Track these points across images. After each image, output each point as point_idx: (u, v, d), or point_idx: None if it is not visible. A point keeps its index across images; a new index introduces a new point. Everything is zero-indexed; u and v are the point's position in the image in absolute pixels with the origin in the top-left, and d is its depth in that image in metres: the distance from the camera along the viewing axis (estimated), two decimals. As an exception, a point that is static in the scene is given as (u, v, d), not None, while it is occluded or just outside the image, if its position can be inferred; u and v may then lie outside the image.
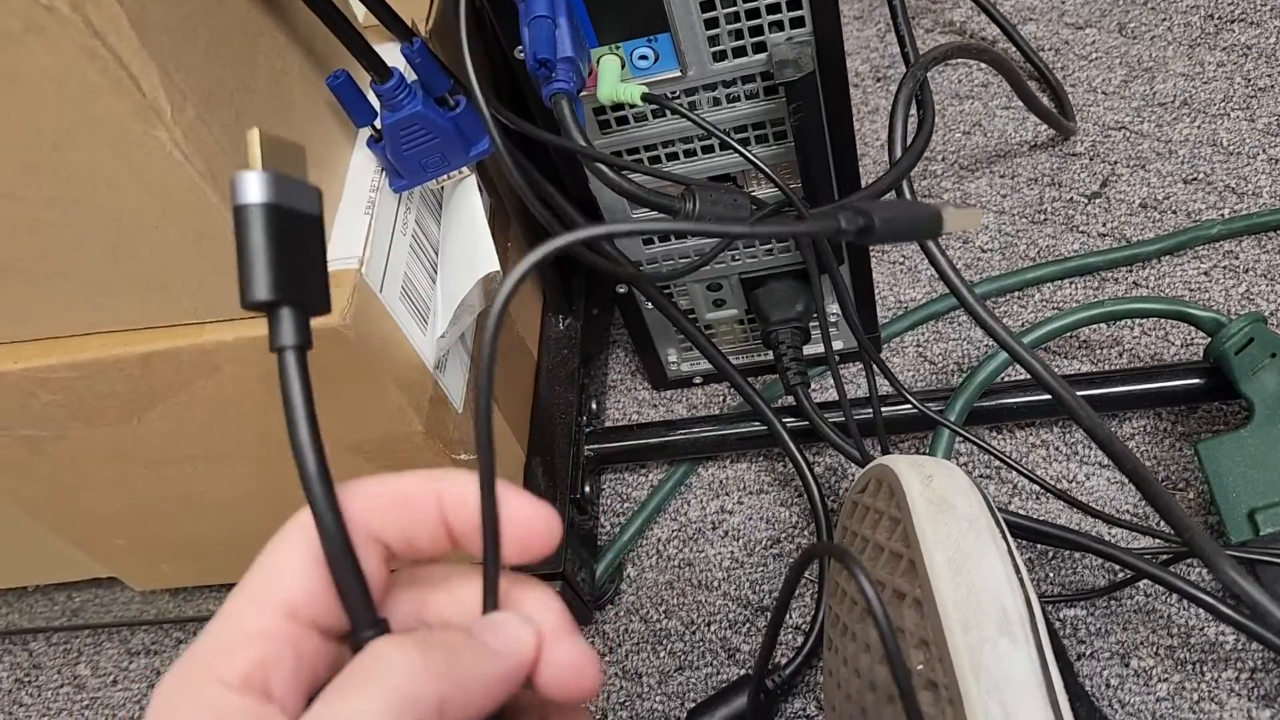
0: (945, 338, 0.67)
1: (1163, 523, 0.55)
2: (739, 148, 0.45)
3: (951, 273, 0.49)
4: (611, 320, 0.72)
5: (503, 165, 0.43)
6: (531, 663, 0.23)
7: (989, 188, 0.73)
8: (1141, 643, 0.53)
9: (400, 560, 0.24)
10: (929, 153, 0.76)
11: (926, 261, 0.69)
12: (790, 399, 0.59)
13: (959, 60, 0.81)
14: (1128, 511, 0.57)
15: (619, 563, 0.62)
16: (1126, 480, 0.58)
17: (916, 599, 0.42)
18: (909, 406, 0.58)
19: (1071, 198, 0.71)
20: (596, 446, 0.63)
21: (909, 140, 0.51)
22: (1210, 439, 0.52)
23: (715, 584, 0.61)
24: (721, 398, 0.68)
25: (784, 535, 0.61)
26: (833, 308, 0.63)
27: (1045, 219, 0.70)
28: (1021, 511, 0.59)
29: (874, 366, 0.54)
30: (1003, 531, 0.43)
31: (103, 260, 0.39)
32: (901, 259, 0.71)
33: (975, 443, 0.52)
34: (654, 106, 0.49)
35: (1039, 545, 0.57)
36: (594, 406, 0.65)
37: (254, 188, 0.22)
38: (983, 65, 0.80)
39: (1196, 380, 0.56)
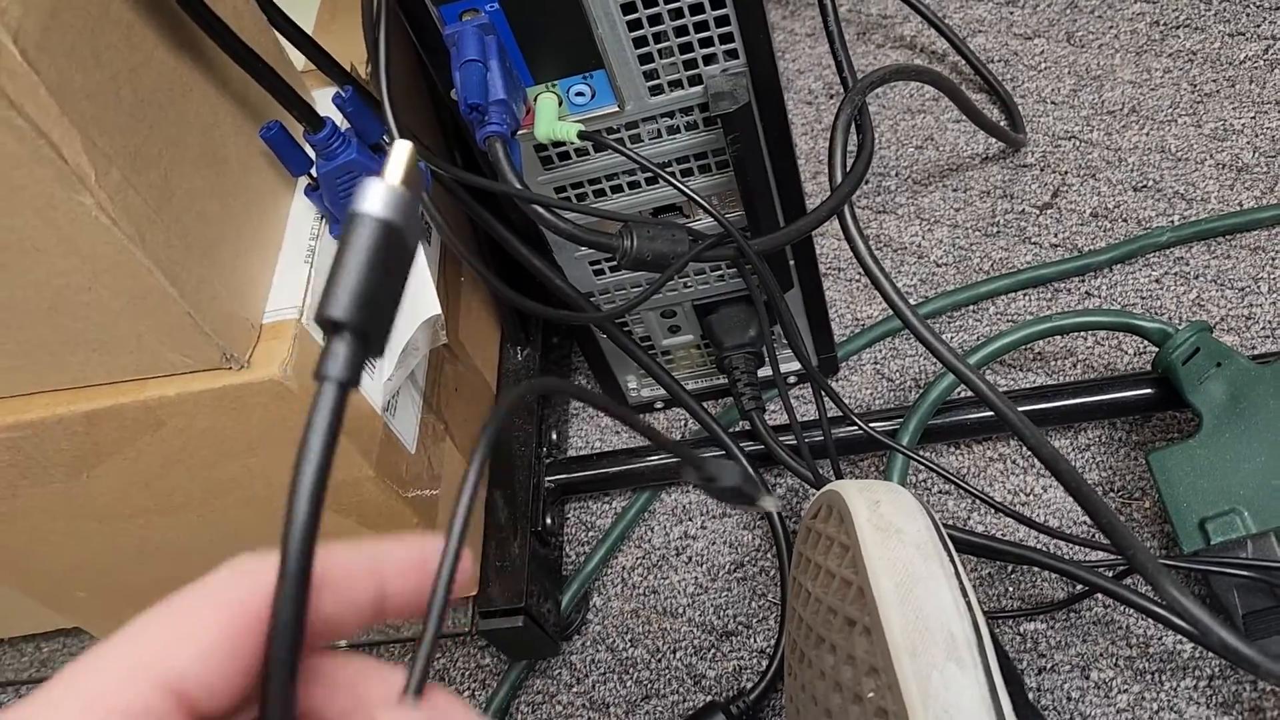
0: (902, 354, 0.67)
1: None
2: (672, 180, 0.45)
3: (894, 294, 0.49)
4: (571, 348, 0.72)
5: (431, 218, 0.43)
6: None
7: (942, 201, 0.73)
8: (1101, 654, 0.53)
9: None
10: (882, 168, 0.76)
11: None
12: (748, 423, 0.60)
13: (910, 75, 0.81)
14: (1085, 523, 0.58)
15: (585, 592, 0.63)
16: (1083, 491, 0.58)
17: (866, 626, 0.42)
18: (869, 427, 0.59)
19: (1023, 209, 0.71)
20: (557, 477, 0.63)
21: (849, 165, 0.51)
22: (1161, 449, 0.52)
23: (680, 610, 0.61)
24: (683, 421, 0.69)
25: (747, 559, 0.62)
26: (788, 329, 0.63)
27: (998, 231, 0.71)
28: (981, 526, 0.59)
29: (822, 391, 0.54)
30: (950, 555, 0.44)
31: (40, 323, 0.39)
32: (858, 275, 0.71)
33: (925, 465, 0.53)
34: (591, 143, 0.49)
35: (996, 561, 0.57)
36: (554, 437, 0.65)
37: (381, 201, 0.20)
38: (933, 79, 0.80)
39: (1148, 390, 0.57)
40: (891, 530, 0.44)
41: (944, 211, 0.73)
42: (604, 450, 0.67)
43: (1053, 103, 0.76)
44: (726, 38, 0.46)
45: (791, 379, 0.67)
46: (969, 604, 0.41)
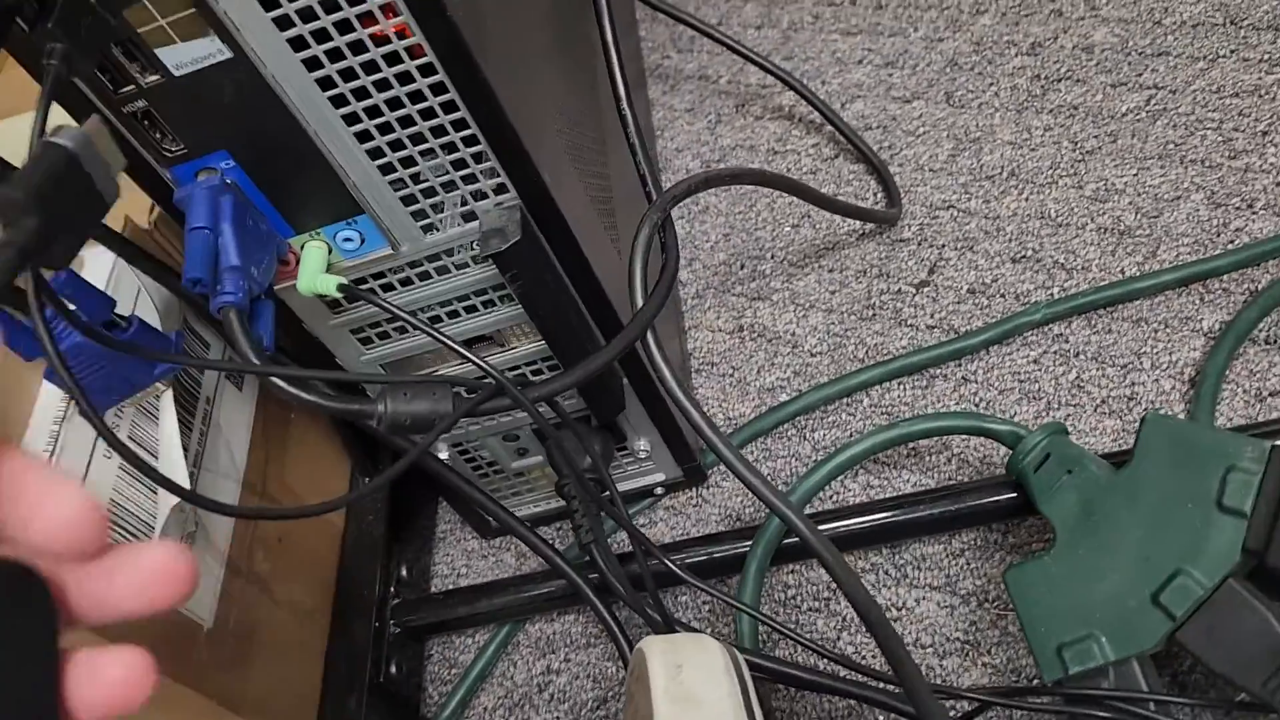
0: (774, 455, 0.63)
1: (975, 674, 0.52)
2: (427, 329, 0.42)
3: (706, 428, 0.46)
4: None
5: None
6: None
7: (817, 284, 0.70)
8: (972, 792, 0.49)
9: None
10: (758, 250, 0.73)
11: (756, 371, 0.66)
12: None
13: (786, 149, 0.78)
14: (958, 639, 0.54)
15: (446, 738, 0.59)
16: (958, 606, 0.54)
17: (660, 816, 0.38)
18: (721, 550, 0.56)
19: (900, 288, 0.68)
20: (405, 620, 0.59)
21: (651, 286, 0.48)
22: (1017, 566, 0.48)
23: (540, 756, 0.57)
24: (553, 540, 0.65)
25: (610, 694, 0.58)
26: (641, 444, 0.60)
27: (874, 314, 0.67)
28: (858, 640, 0.55)
29: (641, 535, 0.50)
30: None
31: None
32: (730, 370, 0.68)
33: (755, 616, 0.49)
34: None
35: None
36: (404, 573, 0.61)
37: (68, 137, 0.25)
38: (810, 151, 0.77)
39: (1011, 495, 0.53)
40: (690, 702, 0.40)
41: (819, 295, 0.69)
42: (462, 585, 0.64)
43: (931, 170, 0.73)
44: (490, 173, 0.43)
45: (659, 489, 0.64)
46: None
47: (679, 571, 0.49)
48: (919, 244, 0.69)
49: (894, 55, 0.80)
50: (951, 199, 0.71)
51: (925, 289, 0.67)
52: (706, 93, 0.84)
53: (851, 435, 0.62)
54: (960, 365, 0.63)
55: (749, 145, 0.79)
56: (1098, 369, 0.60)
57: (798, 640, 0.49)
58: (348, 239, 0.45)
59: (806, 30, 0.85)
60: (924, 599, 0.55)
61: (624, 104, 0.51)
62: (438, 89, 0.39)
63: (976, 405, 0.61)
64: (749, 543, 0.55)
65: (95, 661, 0.22)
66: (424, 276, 0.48)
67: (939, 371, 0.63)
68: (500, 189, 0.44)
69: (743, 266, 0.73)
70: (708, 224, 0.76)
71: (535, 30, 0.52)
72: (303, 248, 0.45)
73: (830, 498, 0.60)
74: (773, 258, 0.72)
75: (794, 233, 0.73)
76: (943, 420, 0.53)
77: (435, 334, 0.42)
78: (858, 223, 0.72)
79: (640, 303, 0.47)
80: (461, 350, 0.42)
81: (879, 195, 0.73)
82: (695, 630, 0.54)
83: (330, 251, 0.46)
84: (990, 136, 0.73)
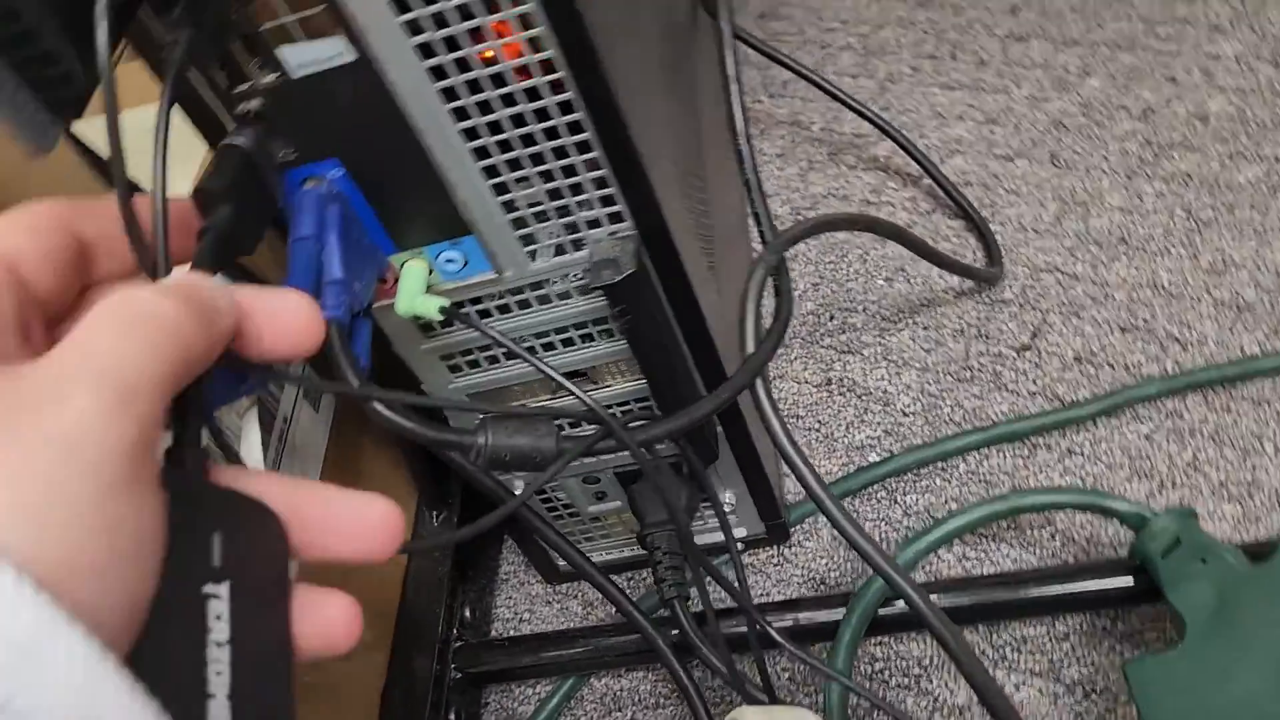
0: (863, 517, 0.60)
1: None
2: (531, 359, 0.40)
3: (815, 483, 0.43)
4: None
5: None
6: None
7: (911, 341, 0.67)
8: None
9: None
10: (849, 303, 0.70)
11: (844, 427, 0.63)
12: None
13: (881, 201, 0.76)
14: (1061, 732, 0.50)
15: (499, 794, 0.56)
16: (1062, 695, 0.51)
17: None
18: (807, 615, 0.52)
19: (1000, 351, 0.64)
20: (467, 664, 0.56)
21: (763, 331, 0.45)
22: (1139, 659, 0.44)
23: (600, 823, 0.54)
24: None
25: (679, 761, 0.54)
26: (727, 496, 0.57)
27: (971, 376, 0.64)
28: (946, 727, 0.52)
29: (753, 612, 0.47)
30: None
31: None
32: (817, 424, 0.65)
33: (853, 689, 0.45)
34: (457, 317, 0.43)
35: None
36: (468, 615, 0.59)
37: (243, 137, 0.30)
38: (905, 204, 0.75)
39: (1127, 581, 0.49)
40: (790, 785, 0.37)
41: (913, 352, 0.66)
42: (526, 633, 0.61)
43: (1034, 231, 0.70)
44: (608, 200, 0.41)
45: (739, 545, 0.60)
46: None
47: (780, 639, 0.45)
48: (1020, 306, 0.66)
49: (996, 112, 0.78)
50: (1056, 262, 0.68)
51: (1027, 353, 0.64)
52: (798, 139, 0.82)
53: (946, 502, 0.59)
54: (1065, 436, 0.59)
55: (842, 194, 0.77)
56: (1215, 450, 0.56)
57: (897, 717, 0.45)
58: (450, 259, 0.43)
59: (904, 82, 0.83)
60: (1024, 684, 0.52)
61: (742, 140, 0.49)
62: (565, 108, 0.37)
63: (1083, 480, 0.57)
64: (838, 610, 0.52)
65: (315, 600, 0.23)
66: (524, 305, 0.45)
67: (1042, 441, 0.60)
68: (615, 217, 0.41)
69: (832, 318, 0.70)
70: (795, 272, 0.73)
71: (653, 57, 0.50)
72: (402, 266, 0.43)
73: (923, 567, 0.56)
74: (864, 310, 0.70)
75: (887, 286, 0.70)
76: (1060, 495, 0.50)
77: (543, 368, 0.40)
78: (955, 280, 0.69)
79: (751, 348, 0.45)
80: (572, 388, 0.40)
81: (978, 253, 0.70)
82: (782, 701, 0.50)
83: (430, 272, 0.43)
84: (1098, 200, 0.70)
